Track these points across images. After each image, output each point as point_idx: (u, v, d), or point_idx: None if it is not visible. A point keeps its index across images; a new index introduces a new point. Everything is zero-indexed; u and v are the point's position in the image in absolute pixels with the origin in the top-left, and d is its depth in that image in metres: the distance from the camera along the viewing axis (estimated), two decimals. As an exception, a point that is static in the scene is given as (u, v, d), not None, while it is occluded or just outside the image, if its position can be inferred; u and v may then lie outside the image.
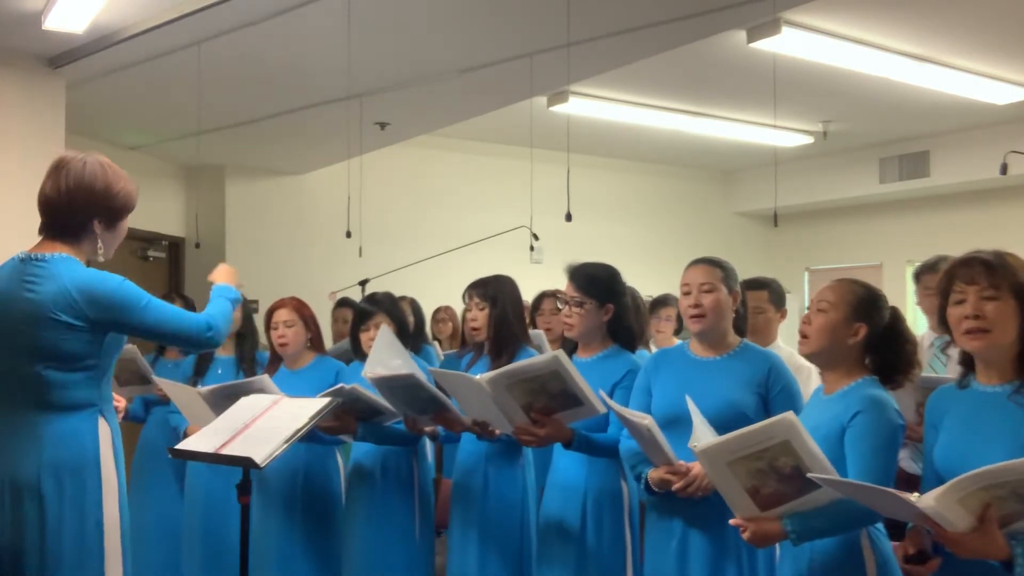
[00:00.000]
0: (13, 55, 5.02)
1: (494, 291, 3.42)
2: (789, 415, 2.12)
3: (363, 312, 3.79)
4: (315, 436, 3.55)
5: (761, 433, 2.13)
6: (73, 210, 2.45)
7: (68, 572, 2.34)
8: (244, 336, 4.38)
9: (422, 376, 3.14)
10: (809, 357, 2.46)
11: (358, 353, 3.82)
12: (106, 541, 2.39)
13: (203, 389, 3.60)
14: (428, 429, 3.40)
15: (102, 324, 2.40)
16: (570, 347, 3.23)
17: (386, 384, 3.19)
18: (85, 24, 4.50)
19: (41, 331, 2.37)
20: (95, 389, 2.45)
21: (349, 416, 3.44)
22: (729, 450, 2.15)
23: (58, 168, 2.47)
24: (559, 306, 3.26)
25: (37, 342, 2.38)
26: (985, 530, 1.82)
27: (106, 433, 2.46)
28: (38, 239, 2.52)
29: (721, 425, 2.43)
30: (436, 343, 6.03)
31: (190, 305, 4.65)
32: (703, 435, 2.32)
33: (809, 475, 2.09)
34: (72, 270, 2.41)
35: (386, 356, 3.30)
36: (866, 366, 2.41)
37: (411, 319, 5.27)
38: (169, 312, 2.51)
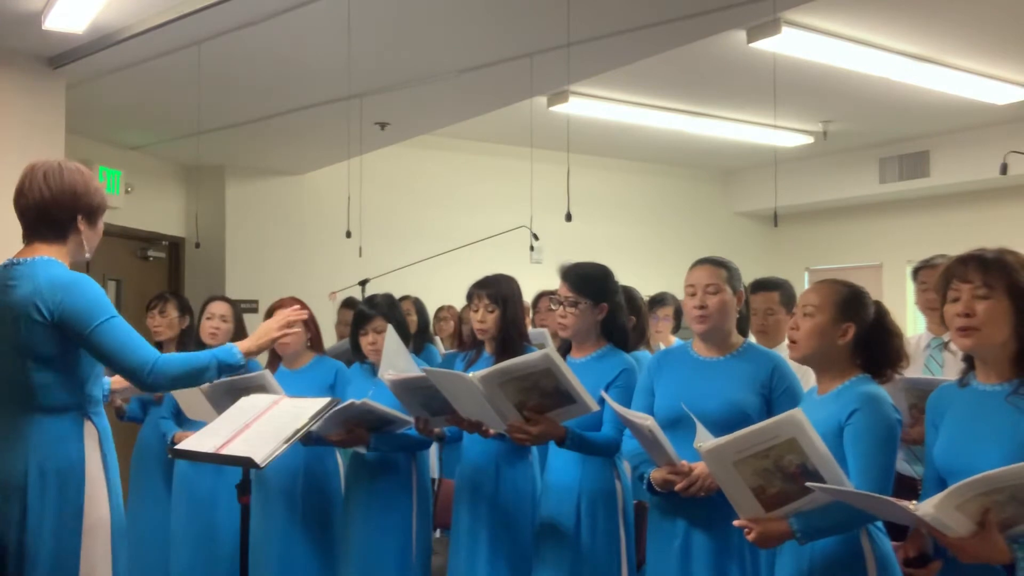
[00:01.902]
0: (13, 55, 5.01)
1: (505, 293, 3.40)
2: (796, 412, 2.12)
3: (361, 315, 3.78)
4: (319, 440, 3.54)
5: (767, 431, 2.12)
6: (61, 212, 2.51)
7: (44, 573, 2.36)
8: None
9: None
10: (802, 361, 2.45)
11: (358, 355, 3.82)
12: (85, 544, 2.40)
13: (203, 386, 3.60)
14: (438, 430, 3.40)
15: (62, 329, 2.40)
16: (564, 348, 3.22)
17: (403, 386, 3.19)
18: (85, 24, 4.50)
19: (20, 332, 2.41)
20: (79, 392, 2.47)
21: (361, 428, 3.44)
22: (735, 449, 2.14)
23: (33, 174, 2.52)
24: (552, 306, 3.25)
25: (19, 343, 2.42)
26: (986, 535, 1.82)
27: (92, 435, 2.47)
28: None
29: (724, 426, 2.43)
30: (437, 339, 6.04)
31: (185, 308, 4.61)
32: (708, 435, 2.31)
33: (808, 484, 2.08)
34: (50, 270, 2.45)
35: (395, 359, 3.30)
36: (857, 364, 2.41)
37: (415, 318, 5.30)
38: (120, 337, 2.43)
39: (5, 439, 2.42)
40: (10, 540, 2.38)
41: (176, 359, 2.53)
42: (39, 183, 2.50)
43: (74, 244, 2.56)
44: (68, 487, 2.40)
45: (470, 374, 2.83)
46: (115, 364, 2.45)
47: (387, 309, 3.76)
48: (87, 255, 2.59)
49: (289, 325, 2.84)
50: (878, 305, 2.45)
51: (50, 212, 2.50)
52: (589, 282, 3.11)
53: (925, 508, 1.81)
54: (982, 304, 2.03)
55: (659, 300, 5.00)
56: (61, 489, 2.39)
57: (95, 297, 2.44)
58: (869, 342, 2.40)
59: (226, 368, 2.62)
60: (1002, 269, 2.04)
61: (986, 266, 2.05)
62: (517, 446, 3.29)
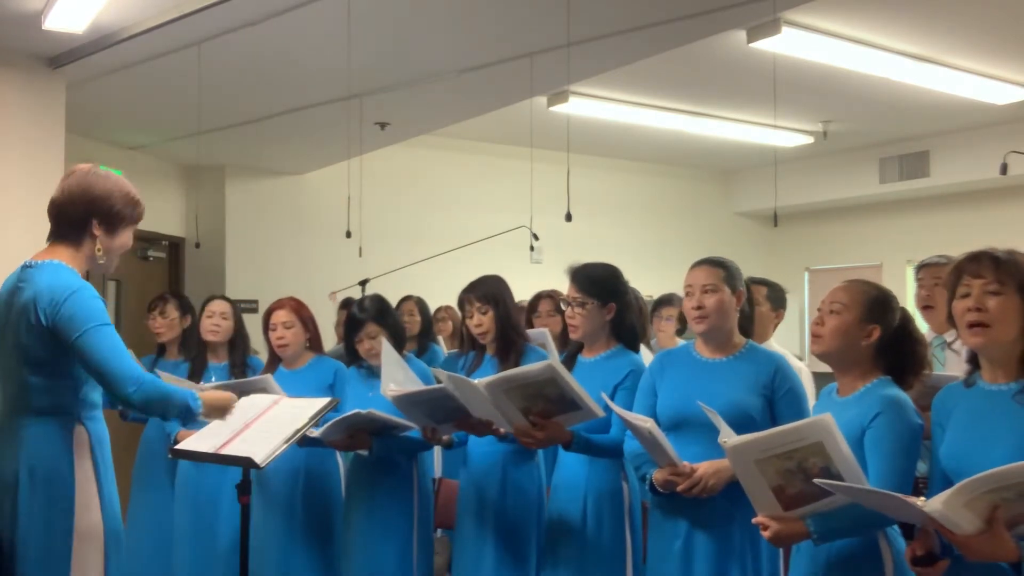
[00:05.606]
0: (13, 55, 5.01)
1: (494, 292, 3.41)
2: (826, 417, 2.11)
3: (352, 322, 3.72)
4: (317, 441, 3.53)
5: (795, 433, 2.12)
6: (73, 209, 2.51)
7: (34, 572, 2.38)
8: (235, 343, 4.34)
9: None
10: (822, 357, 2.44)
11: (354, 360, 3.79)
12: (76, 549, 2.40)
13: (206, 385, 3.61)
14: (446, 438, 3.40)
15: (54, 334, 2.40)
16: (575, 347, 3.23)
17: (406, 400, 3.19)
18: (85, 24, 4.49)
19: (22, 334, 2.43)
20: (73, 396, 2.47)
21: (363, 433, 3.44)
22: (759, 447, 2.14)
23: (67, 175, 2.58)
24: (562, 307, 3.26)
25: (20, 345, 2.45)
26: (994, 532, 1.81)
27: (83, 441, 2.46)
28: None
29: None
30: (440, 338, 6.04)
31: (186, 307, 4.60)
32: (731, 431, 2.31)
33: (816, 480, 2.08)
34: (51, 275, 2.45)
35: (395, 372, 3.30)
36: (878, 367, 2.40)
37: (418, 319, 5.31)
38: (108, 348, 2.39)
39: (2, 437, 2.46)
40: (4, 535, 2.41)
41: (159, 383, 2.49)
42: (63, 183, 2.54)
43: (89, 250, 2.53)
44: (55, 490, 2.41)
45: (475, 380, 2.84)
46: (101, 371, 2.39)
47: (376, 313, 3.69)
48: (101, 262, 2.55)
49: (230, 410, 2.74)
50: (904, 312, 2.44)
51: (64, 210, 2.52)
52: (596, 283, 3.12)
53: (933, 504, 1.80)
54: (993, 300, 2.01)
55: (665, 300, 4.99)
56: (49, 491, 2.40)
57: (90, 305, 2.41)
58: (892, 347, 2.40)
59: (188, 414, 2.54)
60: (1014, 266, 2.03)
61: (998, 263, 2.03)
62: (523, 448, 3.29)
